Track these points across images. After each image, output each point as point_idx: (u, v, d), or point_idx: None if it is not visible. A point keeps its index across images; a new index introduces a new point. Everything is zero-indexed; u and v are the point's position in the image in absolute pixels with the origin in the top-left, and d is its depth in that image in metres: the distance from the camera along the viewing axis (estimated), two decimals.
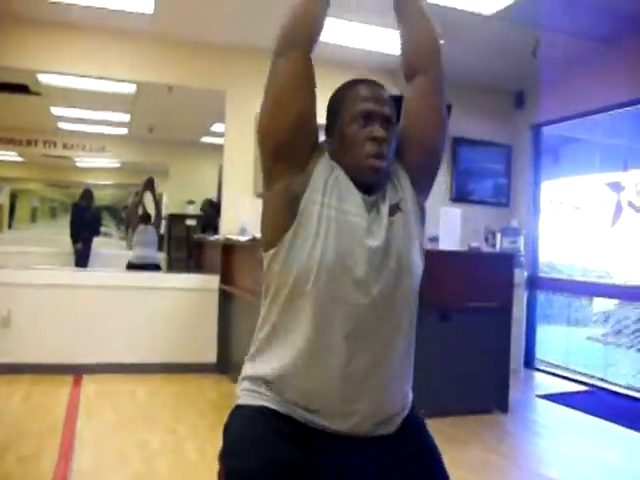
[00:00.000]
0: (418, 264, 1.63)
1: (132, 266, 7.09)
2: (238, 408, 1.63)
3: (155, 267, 7.28)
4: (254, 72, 5.90)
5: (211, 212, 7.20)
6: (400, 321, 1.60)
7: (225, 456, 1.56)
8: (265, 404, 1.58)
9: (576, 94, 6.06)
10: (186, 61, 5.89)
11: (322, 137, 1.69)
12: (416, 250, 1.63)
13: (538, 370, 6.75)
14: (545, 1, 4.58)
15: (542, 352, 6.94)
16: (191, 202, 8.54)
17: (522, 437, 4.63)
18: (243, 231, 5.59)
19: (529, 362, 6.78)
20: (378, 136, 1.59)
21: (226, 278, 5.74)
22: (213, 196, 7.57)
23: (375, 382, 1.57)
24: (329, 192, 1.57)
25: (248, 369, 1.67)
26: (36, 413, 4.43)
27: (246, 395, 1.63)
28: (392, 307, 1.57)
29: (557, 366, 6.73)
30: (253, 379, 1.63)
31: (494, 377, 4.90)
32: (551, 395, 5.69)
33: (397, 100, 1.72)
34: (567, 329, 7.40)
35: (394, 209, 1.62)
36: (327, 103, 1.70)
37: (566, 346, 7.20)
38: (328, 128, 1.65)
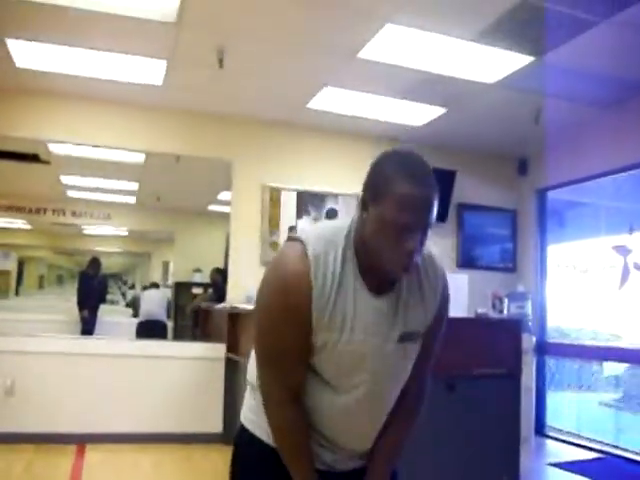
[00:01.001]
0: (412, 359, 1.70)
1: (141, 325, 7.09)
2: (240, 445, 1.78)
3: (162, 326, 7.32)
4: (259, 142, 6.11)
5: (219, 280, 7.20)
6: (399, 383, 1.70)
7: None
8: (266, 440, 1.68)
9: (580, 158, 6.12)
10: (193, 131, 6.01)
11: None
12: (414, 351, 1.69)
13: (549, 437, 6.62)
14: (546, 69, 4.65)
15: (553, 419, 6.82)
16: (198, 270, 8.54)
17: None
18: (249, 299, 5.58)
19: (540, 429, 6.65)
20: (414, 250, 1.53)
21: (232, 346, 5.70)
22: (220, 264, 7.58)
23: (369, 430, 1.70)
24: (334, 320, 1.55)
25: (250, 398, 1.77)
26: None
27: (249, 422, 1.75)
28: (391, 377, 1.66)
29: (568, 433, 6.60)
30: (254, 410, 1.73)
31: (504, 445, 4.78)
32: (563, 463, 5.57)
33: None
34: (578, 395, 7.29)
35: (406, 338, 1.63)
36: (370, 172, 1.58)
37: (577, 412, 7.08)
38: (364, 202, 1.56)
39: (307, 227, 1.62)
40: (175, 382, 5.74)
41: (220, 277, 7.14)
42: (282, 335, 1.53)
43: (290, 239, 1.61)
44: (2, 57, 4.74)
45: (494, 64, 4.66)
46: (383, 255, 1.52)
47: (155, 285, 7.98)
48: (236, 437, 1.80)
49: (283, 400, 1.58)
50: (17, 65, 4.91)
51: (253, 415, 1.74)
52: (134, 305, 9.52)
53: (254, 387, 1.74)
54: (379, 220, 1.50)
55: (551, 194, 7.01)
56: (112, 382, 5.58)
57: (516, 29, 4.12)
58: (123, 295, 10.58)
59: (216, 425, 5.74)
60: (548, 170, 6.66)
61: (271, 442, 1.65)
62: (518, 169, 7.06)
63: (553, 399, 6.96)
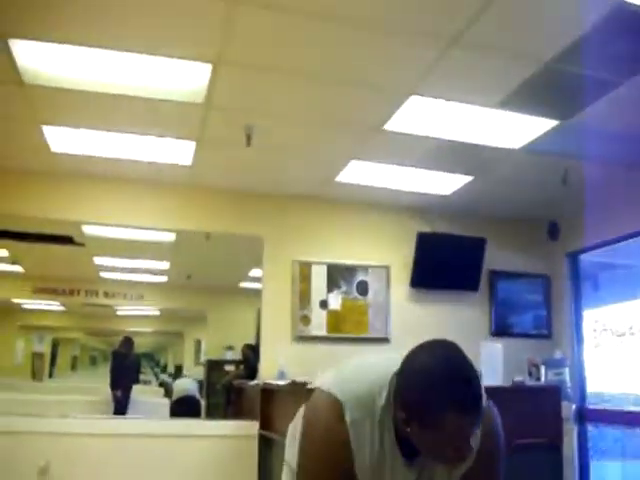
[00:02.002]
0: None
1: (175, 402, 7.34)
2: None
3: (196, 403, 7.37)
4: (289, 218, 6.18)
5: (251, 356, 7.17)
6: None
7: None
8: None
9: (611, 219, 6.05)
10: (223, 209, 6.11)
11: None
12: None
13: None
14: (572, 132, 4.66)
15: None
16: (230, 348, 8.52)
17: None
18: (281, 375, 5.55)
19: None
20: (468, 450, 1.54)
21: (266, 423, 5.62)
22: (251, 340, 7.56)
23: None
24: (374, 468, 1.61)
25: None
26: None
27: None
28: None
29: None
30: None
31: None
32: None
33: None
34: (622, 463, 7.02)
35: None
36: (408, 389, 1.56)
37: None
38: (405, 419, 1.54)
39: (340, 374, 1.61)
40: (209, 460, 5.66)
41: (251, 353, 7.11)
42: None
43: (323, 393, 1.64)
44: (38, 143, 4.90)
45: (519, 130, 4.69)
46: (435, 456, 1.56)
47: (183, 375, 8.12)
48: None
49: None
50: (52, 150, 5.07)
51: None
52: (166, 387, 9.50)
53: (293, 468, 1.80)
54: (427, 436, 1.51)
55: (584, 257, 6.92)
56: (146, 462, 5.52)
57: (539, 94, 4.15)
58: (156, 376, 10.56)
59: None
60: (579, 233, 6.59)
61: None
62: (549, 233, 7.00)
63: (596, 469, 6.70)
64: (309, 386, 1.69)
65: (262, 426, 5.66)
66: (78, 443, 5.43)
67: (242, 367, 7.72)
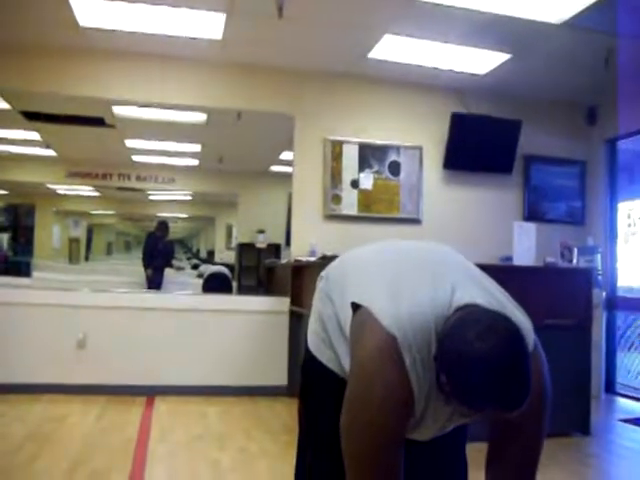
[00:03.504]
0: None
1: (208, 279, 7.63)
2: None
3: (227, 280, 7.65)
4: (320, 95, 6.07)
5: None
6: None
7: None
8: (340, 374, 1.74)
9: None
10: (254, 86, 5.99)
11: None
12: None
13: (620, 395, 6.44)
14: (618, 5, 4.43)
15: (623, 377, 6.63)
16: (261, 231, 8.61)
17: (605, 460, 4.40)
18: (312, 253, 5.60)
19: (610, 386, 6.48)
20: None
21: (297, 300, 5.72)
22: (282, 225, 7.62)
23: None
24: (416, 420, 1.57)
25: (320, 330, 1.84)
26: (109, 431, 4.48)
27: (321, 354, 1.83)
28: None
29: None
30: (327, 342, 1.80)
31: (574, 398, 4.68)
32: (635, 419, 5.41)
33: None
34: None
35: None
36: (461, 376, 1.40)
37: None
38: (448, 384, 1.44)
39: (396, 304, 1.52)
40: (240, 336, 5.82)
41: None
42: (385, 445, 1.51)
43: (382, 330, 1.51)
44: (66, 17, 4.79)
45: (561, 2, 4.46)
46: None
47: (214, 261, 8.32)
48: (307, 365, 1.87)
49: None
50: (80, 24, 4.96)
51: (327, 349, 1.78)
52: (199, 270, 9.72)
53: (323, 318, 1.80)
54: (465, 407, 1.44)
55: (622, 145, 6.75)
56: (179, 336, 5.70)
57: None
58: (189, 260, 10.78)
59: (281, 378, 5.80)
60: (619, 119, 6.41)
61: (343, 374, 1.69)
62: (587, 118, 6.81)
63: (624, 358, 6.77)
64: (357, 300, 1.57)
65: (293, 302, 5.78)
66: (113, 316, 5.61)
67: None
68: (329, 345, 1.77)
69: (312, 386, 1.87)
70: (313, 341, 1.85)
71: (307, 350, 1.86)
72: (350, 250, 1.97)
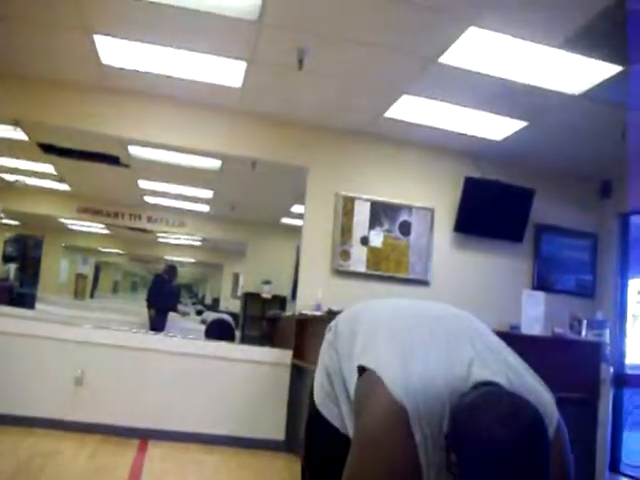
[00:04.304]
0: None
1: (211, 325, 7.51)
2: None
3: (230, 328, 7.51)
4: (335, 150, 6.11)
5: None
6: None
7: None
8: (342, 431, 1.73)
9: None
10: (270, 136, 6.02)
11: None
12: None
13: (624, 475, 6.26)
14: (631, 80, 4.44)
15: (629, 457, 6.44)
16: (267, 282, 8.57)
17: None
18: (318, 307, 5.54)
19: (615, 465, 6.30)
20: None
21: (299, 353, 5.65)
22: (289, 277, 7.59)
23: None
24: None
25: (327, 384, 1.81)
26: (100, 472, 4.39)
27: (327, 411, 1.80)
28: None
29: None
30: (333, 398, 1.76)
31: (578, 475, 4.52)
32: None
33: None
34: None
35: None
36: (474, 463, 1.30)
37: None
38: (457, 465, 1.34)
39: (408, 372, 1.47)
40: (240, 385, 5.74)
41: None
42: None
43: (390, 399, 1.41)
44: (89, 53, 4.85)
45: (580, 74, 4.48)
46: None
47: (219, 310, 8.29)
48: (311, 420, 1.84)
49: None
50: (103, 62, 5.03)
51: (331, 403, 1.74)
52: (203, 316, 9.68)
53: (330, 372, 1.75)
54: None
55: (634, 219, 6.69)
56: (178, 380, 5.62)
57: (605, 35, 3.93)
58: (194, 305, 10.75)
59: (279, 432, 5.69)
60: (633, 193, 6.38)
61: (345, 431, 1.66)
62: (600, 191, 6.79)
63: (631, 439, 6.60)
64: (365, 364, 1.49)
65: (295, 355, 5.70)
66: (113, 354, 5.56)
67: None
68: (334, 400, 1.72)
69: (316, 442, 1.83)
70: (319, 394, 1.80)
71: (312, 403, 1.81)
72: (363, 303, 1.90)
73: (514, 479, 1.25)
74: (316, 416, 1.77)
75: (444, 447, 1.37)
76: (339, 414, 1.69)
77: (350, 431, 1.60)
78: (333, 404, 1.72)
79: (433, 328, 1.62)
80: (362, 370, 1.55)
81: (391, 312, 1.78)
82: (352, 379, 1.59)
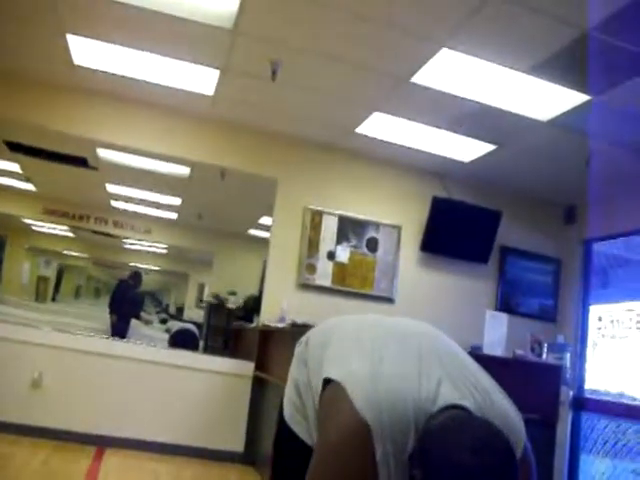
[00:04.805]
0: None
1: (175, 334, 7.63)
2: None
3: (194, 337, 7.58)
4: (305, 164, 6.12)
5: (254, 307, 7.15)
6: None
7: None
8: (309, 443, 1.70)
9: (633, 210, 5.91)
10: (241, 145, 6.02)
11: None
12: None
13: None
14: (603, 110, 4.52)
15: None
16: (232, 293, 8.51)
17: None
18: (282, 319, 5.51)
19: None
20: None
21: (261, 365, 5.62)
22: (255, 289, 7.53)
23: None
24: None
25: (294, 396, 1.79)
26: (53, 479, 4.28)
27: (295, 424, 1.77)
28: None
29: None
30: (301, 411, 1.75)
31: None
32: None
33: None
34: (612, 461, 6.94)
35: None
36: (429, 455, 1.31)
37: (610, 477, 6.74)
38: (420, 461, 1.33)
39: (374, 389, 1.46)
40: (201, 395, 5.68)
41: (255, 304, 7.10)
42: None
43: (355, 414, 1.39)
44: (61, 52, 4.80)
45: (548, 100, 4.56)
46: None
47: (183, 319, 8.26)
48: (279, 434, 1.81)
49: None
50: (75, 62, 4.98)
51: (300, 417, 1.71)
52: (167, 325, 9.59)
53: (299, 385, 1.73)
54: None
55: (597, 247, 6.78)
56: (138, 387, 5.56)
57: (574, 64, 4.00)
58: (158, 314, 10.63)
59: (238, 444, 5.63)
60: (596, 221, 6.46)
61: (313, 445, 1.61)
62: (565, 216, 6.88)
63: (586, 462, 6.64)
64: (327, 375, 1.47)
65: (257, 367, 5.66)
66: (72, 359, 5.47)
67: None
68: (302, 414, 1.70)
69: (284, 457, 1.81)
70: (288, 410, 1.77)
71: (282, 419, 1.78)
72: (335, 318, 1.88)
73: None
74: (284, 430, 1.74)
75: (407, 465, 1.36)
76: (308, 428, 1.67)
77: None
78: (302, 418, 1.70)
79: (404, 345, 1.60)
80: (328, 382, 1.53)
81: (362, 327, 1.75)
82: (317, 392, 1.58)
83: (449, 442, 1.28)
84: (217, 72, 4.84)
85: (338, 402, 1.44)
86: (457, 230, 6.29)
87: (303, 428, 1.68)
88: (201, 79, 5.02)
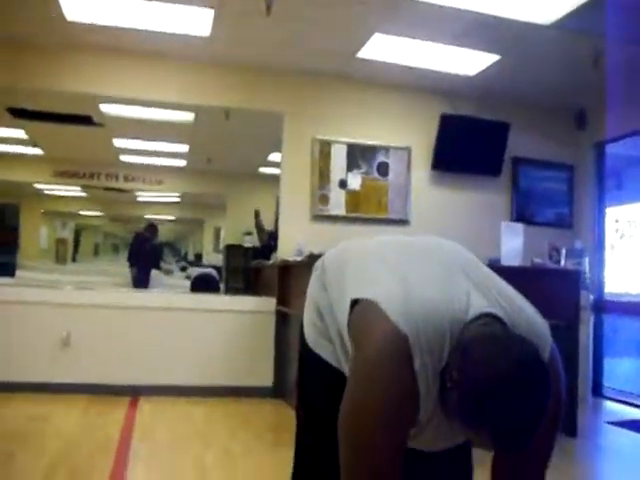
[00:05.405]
0: None
1: (195, 279, 7.61)
2: None
3: (215, 281, 7.73)
4: (309, 95, 6.06)
5: (269, 244, 7.22)
6: None
7: None
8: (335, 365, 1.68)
9: None
10: (243, 84, 5.96)
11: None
12: None
13: (607, 398, 6.43)
14: (607, 8, 4.42)
15: (610, 380, 6.61)
16: (248, 233, 8.57)
17: (592, 462, 4.42)
18: (299, 253, 5.55)
19: (597, 390, 6.47)
20: None
21: (283, 300, 5.69)
22: (270, 226, 7.58)
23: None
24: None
25: (316, 319, 1.75)
26: (91, 431, 4.42)
27: (319, 347, 1.74)
28: None
29: (627, 394, 6.39)
30: (324, 334, 1.72)
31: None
32: (622, 422, 5.39)
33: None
34: (636, 361, 7.06)
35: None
36: (472, 387, 1.29)
37: (636, 374, 6.86)
38: (456, 383, 1.33)
39: (408, 301, 1.40)
40: (227, 335, 5.77)
41: (270, 240, 7.15)
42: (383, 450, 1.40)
43: (389, 324, 1.39)
44: (53, 11, 4.74)
45: (550, 2, 4.45)
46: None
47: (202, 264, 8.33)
48: (304, 358, 1.78)
49: None
50: (67, 18, 4.91)
51: (324, 340, 1.69)
52: (187, 272, 9.69)
53: (320, 308, 1.71)
54: (460, 420, 1.34)
55: (610, 149, 6.73)
56: (165, 335, 5.64)
57: None
58: (177, 262, 10.74)
59: (267, 379, 5.75)
60: (607, 123, 6.40)
61: (340, 367, 1.62)
62: (576, 121, 6.81)
63: (611, 363, 6.76)
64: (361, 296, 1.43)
65: (279, 302, 5.73)
66: (97, 314, 5.55)
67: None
68: (327, 337, 1.68)
69: (310, 380, 1.79)
70: (310, 334, 1.75)
71: (304, 343, 1.76)
72: (348, 241, 1.86)
73: (516, 403, 1.26)
74: (309, 355, 1.73)
75: (442, 373, 1.37)
76: (333, 351, 1.66)
77: (344, 366, 1.59)
78: (327, 341, 1.68)
79: (428, 260, 1.60)
80: (355, 303, 1.52)
81: (382, 246, 1.74)
82: (344, 312, 1.55)
83: (485, 349, 1.31)
84: (211, 11, 4.75)
85: (372, 319, 1.43)
86: (467, 145, 6.26)
87: (328, 351, 1.67)
88: (196, 21, 4.94)
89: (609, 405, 6.27)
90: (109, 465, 3.63)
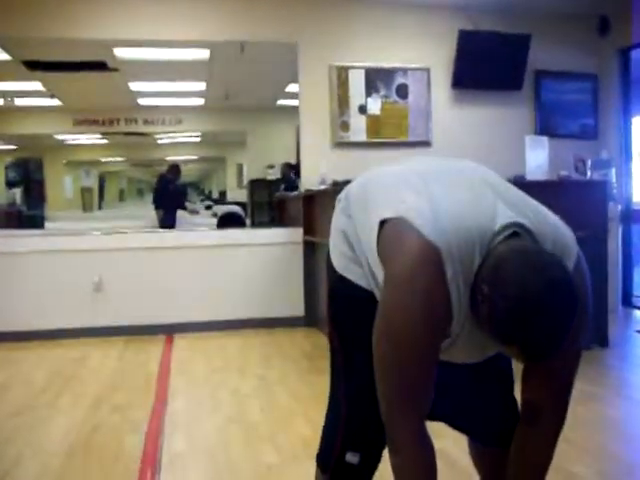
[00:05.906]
0: None
1: (221, 218, 7.91)
2: None
3: (241, 218, 7.86)
4: (323, 20, 5.95)
5: (290, 175, 7.21)
6: None
7: None
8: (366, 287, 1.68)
9: None
10: (255, 15, 5.87)
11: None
12: None
13: (637, 308, 6.44)
14: None
15: None
16: (271, 166, 8.55)
17: (624, 369, 4.47)
18: (323, 181, 5.56)
19: (627, 299, 6.48)
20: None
21: (310, 230, 5.72)
22: (292, 159, 7.55)
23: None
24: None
25: (345, 247, 1.74)
26: (130, 369, 4.57)
27: (350, 273, 1.73)
28: None
29: None
30: (355, 260, 1.71)
31: (593, 311, 4.63)
32: None
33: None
34: None
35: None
36: (502, 304, 1.31)
37: None
38: (486, 298, 1.36)
39: (437, 215, 1.42)
40: (257, 268, 5.86)
41: (290, 170, 7.15)
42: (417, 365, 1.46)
43: (421, 238, 1.40)
44: None
45: None
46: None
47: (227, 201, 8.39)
48: (336, 287, 1.77)
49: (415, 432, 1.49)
50: None
51: (354, 265, 1.69)
52: (213, 210, 9.74)
53: (348, 237, 1.70)
54: (491, 333, 1.38)
55: (635, 54, 6.54)
56: (196, 272, 5.75)
57: None
58: (202, 202, 10.78)
59: (298, 309, 5.85)
60: (632, 26, 6.20)
61: (370, 288, 1.63)
62: (598, 29, 6.61)
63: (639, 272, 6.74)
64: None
65: (306, 232, 5.77)
66: (127, 257, 5.68)
67: (282, 187, 7.82)
68: (357, 263, 1.68)
69: (343, 306, 1.78)
70: (340, 261, 1.74)
71: (334, 271, 1.76)
72: (368, 171, 1.84)
73: (544, 322, 1.29)
74: (338, 280, 1.73)
75: (473, 285, 1.40)
76: (364, 274, 1.66)
77: (374, 287, 1.60)
78: (357, 266, 1.68)
79: (454, 176, 1.61)
80: (384, 223, 1.53)
81: (405, 169, 1.73)
82: (372, 236, 1.56)
83: (516, 267, 1.32)
84: None
85: (403, 235, 1.45)
86: (486, 61, 6.13)
87: (358, 274, 1.67)
88: None
89: (639, 315, 6.28)
90: (150, 399, 3.77)
